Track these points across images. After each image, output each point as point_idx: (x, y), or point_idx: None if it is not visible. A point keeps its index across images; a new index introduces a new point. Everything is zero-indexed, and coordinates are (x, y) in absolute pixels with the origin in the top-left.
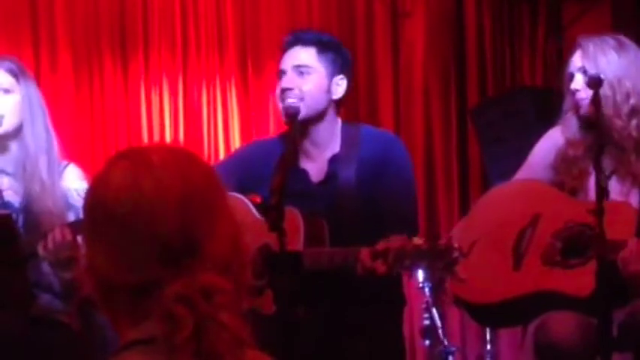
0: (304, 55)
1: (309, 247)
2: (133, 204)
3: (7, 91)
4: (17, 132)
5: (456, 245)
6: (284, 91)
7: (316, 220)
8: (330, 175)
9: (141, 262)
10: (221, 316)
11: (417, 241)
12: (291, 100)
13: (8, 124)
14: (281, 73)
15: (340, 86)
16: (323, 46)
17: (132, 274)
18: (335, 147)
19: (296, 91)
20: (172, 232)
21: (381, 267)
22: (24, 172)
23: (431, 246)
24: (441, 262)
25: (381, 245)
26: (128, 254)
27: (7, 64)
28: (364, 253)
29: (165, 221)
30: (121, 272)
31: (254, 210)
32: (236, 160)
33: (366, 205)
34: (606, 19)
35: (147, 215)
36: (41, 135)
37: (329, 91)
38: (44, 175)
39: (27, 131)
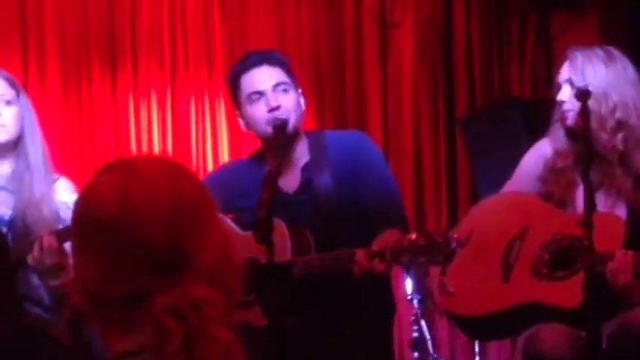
0: (278, 74)
1: (296, 257)
2: (121, 215)
3: (8, 102)
4: (15, 144)
5: (455, 236)
6: (273, 110)
7: (300, 230)
8: (305, 183)
9: (130, 273)
10: (211, 329)
11: (412, 236)
12: (283, 118)
13: (9, 134)
14: (256, 95)
15: (302, 97)
16: (285, 64)
17: (121, 285)
18: (304, 156)
19: (283, 110)
20: (162, 242)
21: (379, 266)
22: (20, 184)
23: (428, 240)
24: (440, 254)
25: (376, 245)
26: (117, 265)
27: (5, 74)
28: (360, 254)
29: (155, 232)
30: (111, 283)
31: (234, 226)
32: (211, 185)
33: (347, 208)
34: (594, 29)
35: (136, 226)
36: (39, 147)
37: (300, 104)
38: (40, 187)
39: (28, 143)
